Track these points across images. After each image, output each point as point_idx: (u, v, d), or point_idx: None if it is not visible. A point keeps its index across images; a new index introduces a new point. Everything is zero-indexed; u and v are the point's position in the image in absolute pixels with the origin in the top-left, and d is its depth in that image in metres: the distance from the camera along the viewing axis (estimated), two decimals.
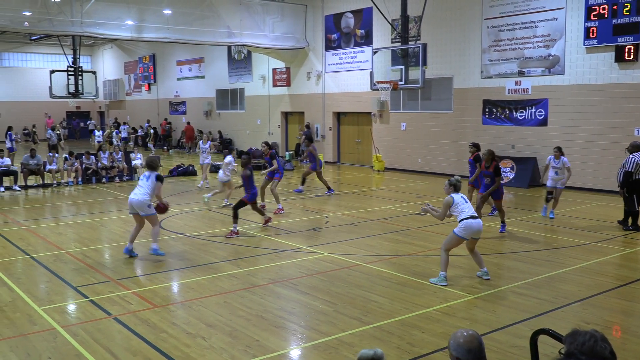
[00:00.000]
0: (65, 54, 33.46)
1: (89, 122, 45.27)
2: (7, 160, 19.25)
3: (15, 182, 18.69)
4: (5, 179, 18.48)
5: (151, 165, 10.09)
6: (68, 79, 31.55)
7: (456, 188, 8.35)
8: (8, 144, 24.57)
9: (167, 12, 23.55)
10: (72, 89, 31.58)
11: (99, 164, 20.20)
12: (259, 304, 7.65)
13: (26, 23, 22.01)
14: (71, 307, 7.73)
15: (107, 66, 44.57)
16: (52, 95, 32.88)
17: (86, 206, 16.02)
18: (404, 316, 7.17)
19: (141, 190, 9.77)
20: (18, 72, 43.94)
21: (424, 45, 18.08)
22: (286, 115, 29.00)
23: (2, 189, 17.95)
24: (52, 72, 32.77)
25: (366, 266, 9.47)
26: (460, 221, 8.24)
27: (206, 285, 8.50)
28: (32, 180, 19.15)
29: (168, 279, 9.13)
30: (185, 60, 35.83)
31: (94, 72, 34.50)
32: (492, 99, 19.77)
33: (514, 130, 19.24)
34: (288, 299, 7.93)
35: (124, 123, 36.89)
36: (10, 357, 6.06)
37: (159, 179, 9.84)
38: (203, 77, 34.35)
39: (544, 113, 18.44)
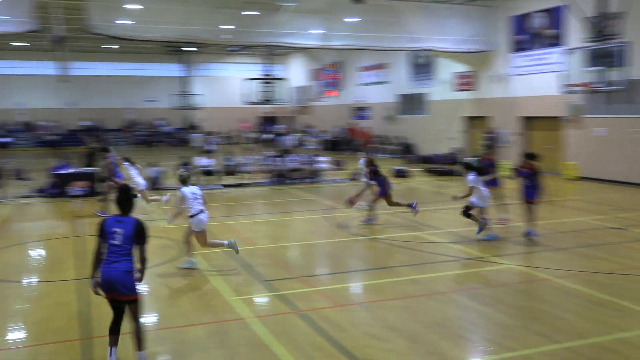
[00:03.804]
0: (259, 63, 35.90)
1: (279, 127, 48.12)
2: (209, 161, 21.14)
3: (217, 182, 20.44)
4: (207, 178, 20.33)
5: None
6: (261, 87, 33.79)
7: None
8: (210, 147, 26.96)
9: (354, 20, 24.24)
10: (264, 95, 33.78)
11: (288, 166, 21.37)
12: (440, 312, 7.54)
13: (225, 36, 24.01)
14: (261, 300, 8.26)
15: (295, 73, 47.02)
16: (246, 101, 35.41)
17: (275, 205, 17.04)
18: (600, 338, 6.59)
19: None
20: (217, 81, 48.09)
21: (629, 44, 16.44)
22: (470, 120, 28.28)
23: (206, 187, 19.76)
24: (248, 80, 35.30)
25: (555, 281, 8.87)
26: None
27: (387, 289, 8.58)
28: (230, 179, 20.83)
29: (350, 279, 9.38)
30: (368, 66, 36.57)
31: (284, 80, 36.50)
32: None
33: None
34: (470, 309, 7.72)
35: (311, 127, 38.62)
36: (207, 342, 6.64)
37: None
38: (385, 82, 34.78)
39: None
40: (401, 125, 33.24)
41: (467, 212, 11.48)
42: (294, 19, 23.35)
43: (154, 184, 19.51)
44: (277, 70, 43.22)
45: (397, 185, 20.27)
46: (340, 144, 36.82)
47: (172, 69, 46.09)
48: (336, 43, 24.96)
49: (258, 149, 33.35)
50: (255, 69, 42.38)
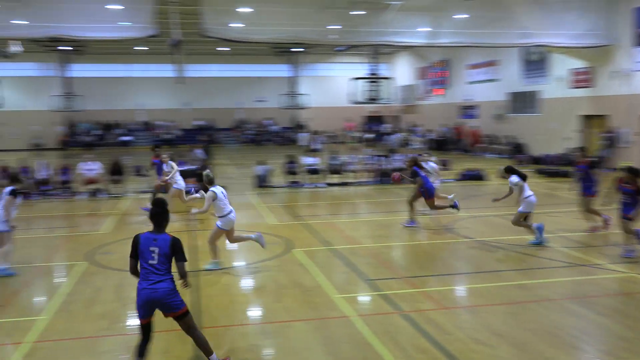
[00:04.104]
0: (365, 63, 35.96)
1: (384, 126, 47.97)
2: (314, 160, 21.47)
3: (321, 180, 20.71)
4: (312, 176, 20.65)
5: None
6: (367, 86, 33.83)
7: None
8: (316, 145, 27.37)
9: (462, 16, 23.68)
10: (370, 95, 33.80)
11: (393, 166, 21.24)
12: (549, 319, 7.20)
13: (332, 36, 24.26)
14: (364, 299, 8.29)
15: (401, 72, 46.65)
16: (351, 101, 35.61)
17: (379, 205, 17.01)
18: None
19: None
20: (323, 81, 48.69)
21: None
22: (586, 118, 26.75)
23: (311, 185, 20.09)
24: (354, 79, 35.48)
25: None
26: None
27: (493, 293, 8.32)
28: (334, 178, 21.03)
29: (455, 282, 9.20)
30: (477, 63, 35.58)
31: (390, 79, 36.34)
32: None
33: None
34: (583, 318, 7.31)
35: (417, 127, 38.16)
36: (311, 338, 6.75)
37: None
38: (495, 80, 33.68)
39: None
40: (511, 125, 32.05)
41: (521, 220, 11.11)
42: (400, 17, 23.19)
43: (262, 182, 20.11)
44: (383, 69, 43.05)
45: (506, 187, 19.67)
46: (446, 144, 36.10)
47: (280, 70, 47.24)
48: (444, 40, 24.49)
49: (363, 148, 33.42)
50: (361, 69, 42.46)
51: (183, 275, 5.56)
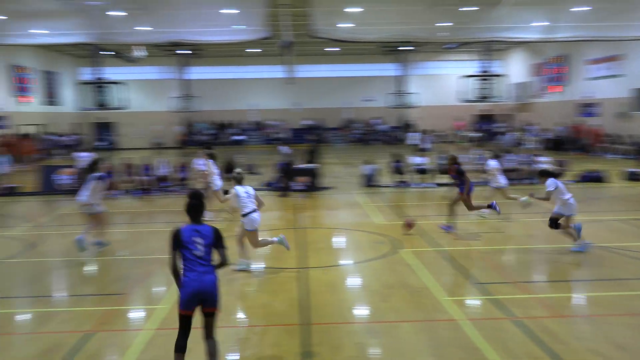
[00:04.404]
0: (476, 60, 35.00)
1: (496, 125, 46.46)
2: (423, 159, 21.16)
3: (430, 180, 20.37)
4: (421, 176, 20.38)
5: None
6: (478, 84, 32.89)
7: None
8: (425, 145, 27.00)
9: (583, 9, 22.41)
10: (481, 93, 32.84)
11: (505, 166, 20.49)
12: None
13: (442, 33, 23.82)
14: (474, 302, 8.05)
15: (515, 69, 44.92)
16: (461, 99, 34.77)
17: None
18: None
19: None
20: (432, 79, 47.91)
21: None
22: None
23: (420, 185, 19.83)
24: (465, 77, 34.63)
25: None
26: None
27: (615, 303, 7.79)
28: (444, 178, 20.59)
29: (572, 289, 8.73)
30: (598, 58, 33.51)
31: (503, 76, 35.11)
32: None
33: None
34: None
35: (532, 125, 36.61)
36: (418, 339, 6.65)
37: None
38: (618, 76, 31.55)
39: None
40: (636, 123, 29.92)
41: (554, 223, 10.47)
42: (515, 12, 22.35)
43: (369, 181, 20.12)
44: (495, 66, 41.70)
45: (630, 190, 18.46)
46: (564, 144, 34.31)
47: (388, 69, 47.00)
48: (562, 35, 23.33)
49: (473, 147, 32.53)
50: (472, 66, 41.40)
51: (225, 262, 5.61)
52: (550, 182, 10.52)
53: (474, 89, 34.60)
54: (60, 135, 39.65)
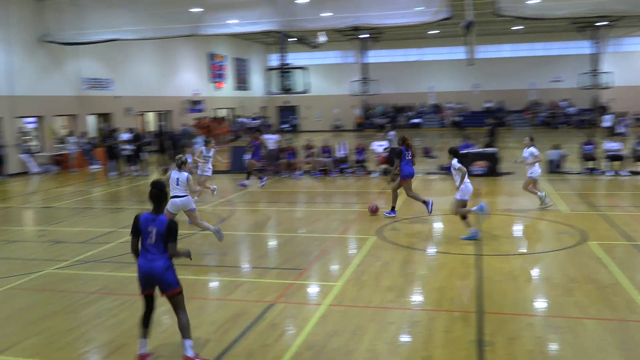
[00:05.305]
0: None
1: None
2: (618, 145, 19.35)
3: (624, 168, 18.58)
4: (614, 163, 18.66)
5: None
6: None
7: None
8: (620, 129, 24.73)
9: None
10: None
11: None
12: None
13: None
14: None
15: None
16: None
17: None
18: None
19: None
20: (631, 57, 43.43)
21: None
22: None
23: (612, 173, 18.19)
24: None
25: None
26: None
27: None
28: (639, 166, 18.73)
29: None
30: None
31: None
32: None
33: None
34: None
35: None
36: (606, 339, 6.13)
37: None
38: None
39: None
40: None
41: None
42: None
43: (556, 167, 18.89)
44: None
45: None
46: None
47: (580, 47, 43.31)
48: None
49: None
50: None
51: (172, 255, 5.67)
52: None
53: None
54: (253, 118, 42.56)
